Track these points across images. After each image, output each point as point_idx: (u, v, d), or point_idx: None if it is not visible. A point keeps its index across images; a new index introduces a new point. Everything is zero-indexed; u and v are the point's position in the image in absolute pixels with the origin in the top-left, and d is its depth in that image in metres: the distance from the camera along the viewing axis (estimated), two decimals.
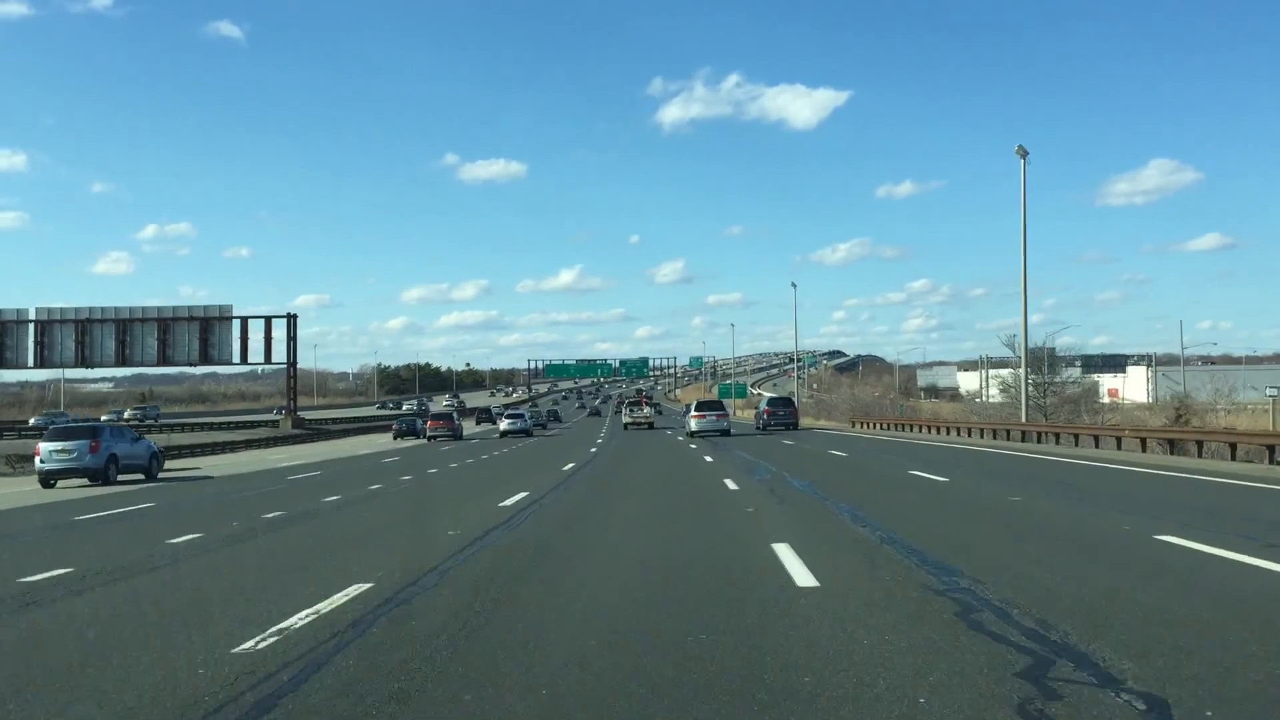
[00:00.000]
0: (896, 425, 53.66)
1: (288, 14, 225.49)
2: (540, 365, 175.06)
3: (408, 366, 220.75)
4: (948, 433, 44.03)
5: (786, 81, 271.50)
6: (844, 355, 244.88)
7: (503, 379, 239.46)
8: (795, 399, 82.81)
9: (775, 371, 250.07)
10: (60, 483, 25.79)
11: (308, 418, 79.69)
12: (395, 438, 58.44)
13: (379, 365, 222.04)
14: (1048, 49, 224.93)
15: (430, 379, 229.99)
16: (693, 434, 45.76)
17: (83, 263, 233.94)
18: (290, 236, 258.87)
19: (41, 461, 25.44)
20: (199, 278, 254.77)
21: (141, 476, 27.60)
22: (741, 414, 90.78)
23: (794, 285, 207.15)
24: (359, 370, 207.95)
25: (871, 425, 57.91)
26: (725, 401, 72.99)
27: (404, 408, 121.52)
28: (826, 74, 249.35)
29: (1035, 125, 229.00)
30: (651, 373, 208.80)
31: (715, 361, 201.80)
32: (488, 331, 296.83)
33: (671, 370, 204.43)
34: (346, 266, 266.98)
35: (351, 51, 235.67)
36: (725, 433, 46.25)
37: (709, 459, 27.80)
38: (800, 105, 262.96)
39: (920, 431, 47.66)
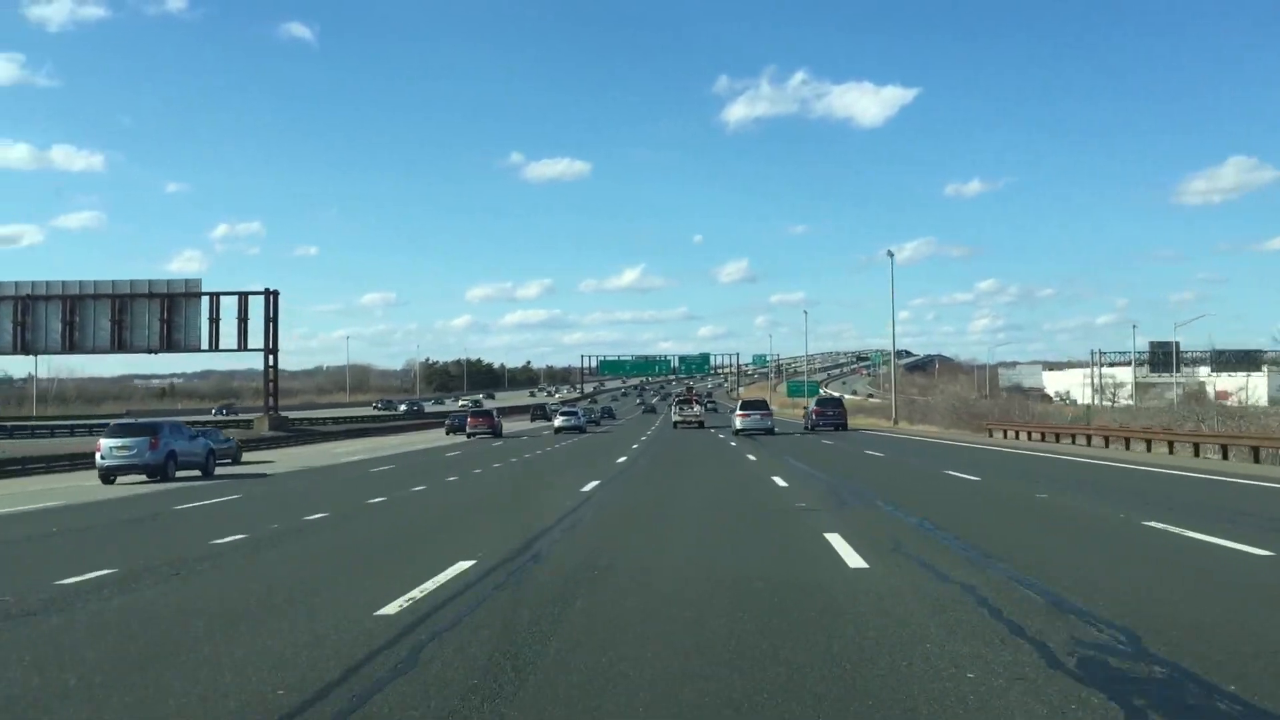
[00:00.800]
0: (1059, 435, 37.74)
1: (357, 15, 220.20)
2: (595, 362, 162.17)
3: (456, 362, 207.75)
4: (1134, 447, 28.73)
5: (854, 79, 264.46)
6: (912, 355, 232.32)
7: (558, 377, 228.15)
8: (891, 399, 67.79)
9: (840, 371, 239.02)
10: (119, 479, 26.01)
11: (292, 417, 65.65)
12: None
13: (426, 360, 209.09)
14: (1122, 44, 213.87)
15: (481, 375, 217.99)
16: (738, 432, 45.24)
17: (158, 261, 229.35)
18: (357, 235, 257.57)
19: (102, 458, 25.90)
20: (268, 276, 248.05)
21: (198, 473, 27.91)
22: None
23: (890, 254, 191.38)
24: (405, 366, 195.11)
25: (1015, 433, 42.11)
26: (798, 400, 69.89)
27: (400, 409, 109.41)
28: (894, 71, 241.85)
29: (1109, 122, 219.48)
30: (714, 370, 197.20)
31: (780, 359, 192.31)
32: (551, 330, 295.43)
33: (733, 368, 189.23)
34: (412, 265, 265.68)
35: (419, 51, 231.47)
36: (769, 431, 45.89)
37: (832, 536, 10.81)
38: (867, 103, 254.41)
39: (1094, 445, 31.84)
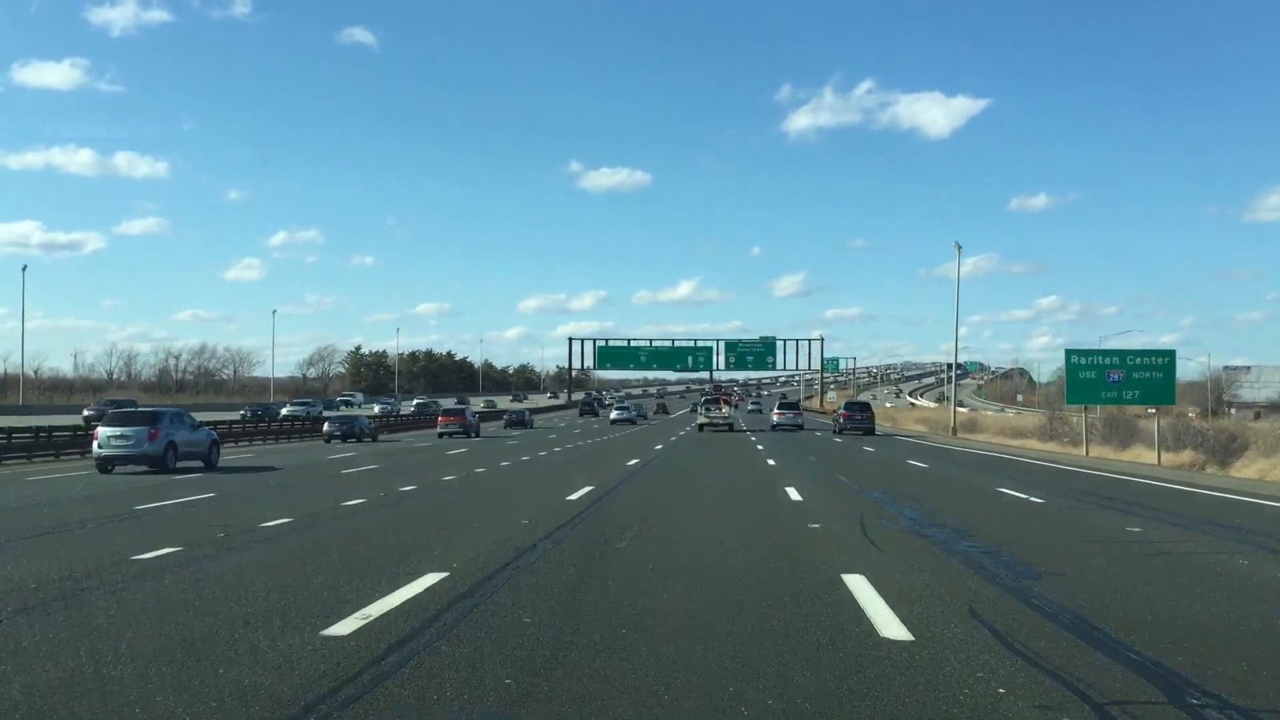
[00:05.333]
0: None
1: (420, 20, 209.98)
2: (591, 350, 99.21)
3: (408, 356, 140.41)
4: None
5: (924, 89, 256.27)
6: (987, 368, 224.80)
7: (563, 381, 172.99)
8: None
9: (935, 381, 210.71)
10: (118, 469, 24.60)
11: None
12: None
13: (356, 349, 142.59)
14: (1196, 57, 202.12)
15: (452, 375, 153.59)
16: (774, 426, 57.72)
17: (217, 268, 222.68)
18: (413, 245, 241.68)
19: (100, 447, 24.48)
20: (325, 285, 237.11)
21: (201, 465, 25.99)
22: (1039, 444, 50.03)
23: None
24: (310, 357, 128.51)
25: None
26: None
27: None
28: (965, 81, 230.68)
29: (1182, 136, 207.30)
30: (786, 375, 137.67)
31: (857, 365, 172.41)
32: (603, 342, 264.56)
33: (807, 370, 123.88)
34: (467, 275, 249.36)
35: (480, 57, 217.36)
36: (799, 427, 57.72)
37: None
38: (935, 114, 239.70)
39: None
